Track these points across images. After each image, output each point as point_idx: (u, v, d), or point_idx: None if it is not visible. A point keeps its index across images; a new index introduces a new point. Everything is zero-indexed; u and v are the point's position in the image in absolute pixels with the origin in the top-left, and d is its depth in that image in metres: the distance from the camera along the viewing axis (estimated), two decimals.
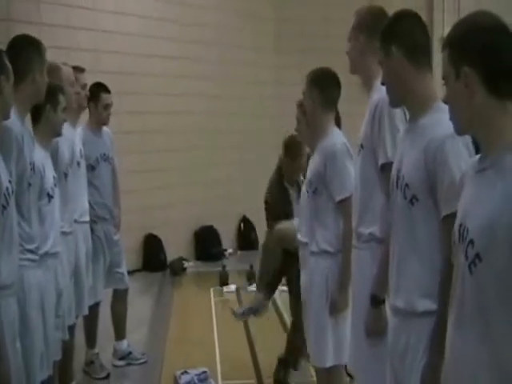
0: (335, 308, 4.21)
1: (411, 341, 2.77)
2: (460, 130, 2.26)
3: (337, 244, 4.23)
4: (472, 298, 2.07)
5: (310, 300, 4.38)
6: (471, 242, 2.05)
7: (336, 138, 4.34)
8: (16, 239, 3.37)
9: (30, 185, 3.81)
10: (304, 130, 4.75)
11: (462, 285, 2.11)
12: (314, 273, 4.33)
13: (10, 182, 3.30)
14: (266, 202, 5.88)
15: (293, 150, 5.53)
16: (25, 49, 3.88)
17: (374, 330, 3.28)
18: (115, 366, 6.19)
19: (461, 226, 2.13)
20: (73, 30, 9.06)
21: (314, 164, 4.40)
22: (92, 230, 5.71)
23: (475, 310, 2.07)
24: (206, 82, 10.92)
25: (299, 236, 4.73)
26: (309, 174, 4.45)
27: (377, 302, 3.27)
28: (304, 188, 4.62)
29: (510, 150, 2.05)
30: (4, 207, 3.18)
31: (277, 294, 8.60)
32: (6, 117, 3.43)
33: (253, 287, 8.93)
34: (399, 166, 2.84)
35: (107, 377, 5.95)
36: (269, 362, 6.15)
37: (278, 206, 5.70)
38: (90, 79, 5.86)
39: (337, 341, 4.26)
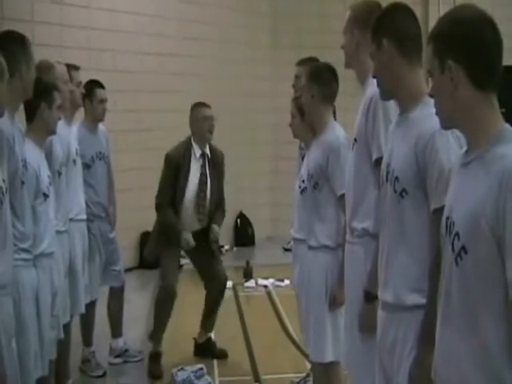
0: (335, 303, 4.20)
1: (400, 335, 2.77)
2: (445, 124, 2.27)
3: (337, 238, 4.22)
4: (458, 290, 2.10)
5: (308, 296, 4.37)
6: (457, 234, 2.07)
7: (338, 131, 4.36)
8: (10, 238, 3.35)
9: (23, 183, 3.79)
10: (298, 125, 4.76)
11: (448, 277, 2.14)
12: (313, 268, 4.32)
13: (3, 180, 3.28)
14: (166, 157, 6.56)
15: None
16: (10, 44, 3.79)
17: (368, 325, 3.26)
18: (111, 363, 6.17)
19: (448, 219, 2.15)
20: (66, 28, 9.03)
21: (313, 158, 4.39)
22: (88, 228, 5.70)
23: (461, 302, 2.09)
24: (201, 79, 10.89)
25: (292, 232, 4.72)
26: (307, 168, 4.44)
27: (370, 297, 3.25)
28: (298, 183, 4.61)
29: (494, 144, 2.07)
30: None
31: (272, 288, 8.65)
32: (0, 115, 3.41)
33: (249, 283, 8.96)
34: (389, 159, 2.84)
35: (103, 375, 5.94)
36: (266, 357, 6.16)
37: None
38: (84, 77, 5.85)
39: (335, 336, 4.26)
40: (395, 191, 2.76)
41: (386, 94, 3.00)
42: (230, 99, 11.27)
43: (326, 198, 4.30)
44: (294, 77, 5.40)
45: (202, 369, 5.65)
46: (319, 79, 4.35)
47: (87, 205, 5.69)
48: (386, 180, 2.83)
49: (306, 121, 4.59)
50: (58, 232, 4.60)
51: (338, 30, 3.82)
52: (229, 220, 11.69)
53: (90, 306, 5.79)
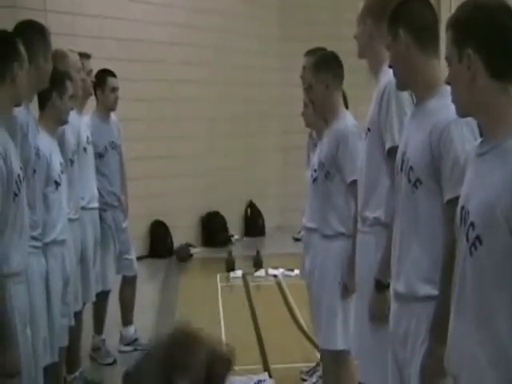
0: (347, 291, 4.21)
1: (412, 325, 2.77)
2: (461, 112, 2.26)
3: (349, 226, 4.23)
4: (471, 281, 2.09)
5: (321, 283, 4.36)
6: (472, 224, 2.06)
7: (348, 120, 4.36)
8: (26, 227, 3.36)
9: (34, 171, 3.80)
10: (310, 114, 4.76)
11: (462, 267, 2.13)
12: (328, 256, 4.31)
13: (21, 168, 3.30)
14: None
15: None
16: (29, 34, 3.81)
17: (378, 314, 3.26)
18: (121, 351, 6.19)
19: (462, 208, 2.15)
20: (77, 17, 9.05)
21: (324, 147, 4.40)
22: (101, 218, 5.72)
23: (474, 293, 2.08)
24: (210, 69, 10.90)
25: (304, 221, 4.73)
26: (319, 157, 4.45)
27: (381, 286, 3.25)
28: (310, 173, 4.62)
29: (511, 135, 2.05)
30: (16, 194, 3.18)
31: (282, 278, 8.67)
32: (18, 104, 3.42)
33: (259, 273, 8.98)
34: (404, 149, 2.84)
35: (113, 362, 5.96)
36: (275, 347, 6.17)
37: None
38: (95, 66, 5.86)
39: (346, 325, 4.26)
40: (409, 181, 2.76)
41: (402, 85, 3.00)
42: (239, 90, 11.28)
43: (338, 187, 4.30)
44: (302, 68, 5.39)
45: None
46: (332, 69, 4.36)
47: (101, 194, 5.72)
48: (401, 170, 2.83)
49: (317, 112, 4.58)
50: (70, 220, 4.62)
51: (348, 20, 3.81)
52: (239, 210, 11.72)
53: (104, 295, 5.82)
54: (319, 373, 5.21)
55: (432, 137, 2.70)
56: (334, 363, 4.43)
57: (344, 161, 4.24)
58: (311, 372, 5.47)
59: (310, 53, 5.26)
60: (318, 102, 4.47)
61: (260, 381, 5.40)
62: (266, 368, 5.78)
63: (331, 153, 4.30)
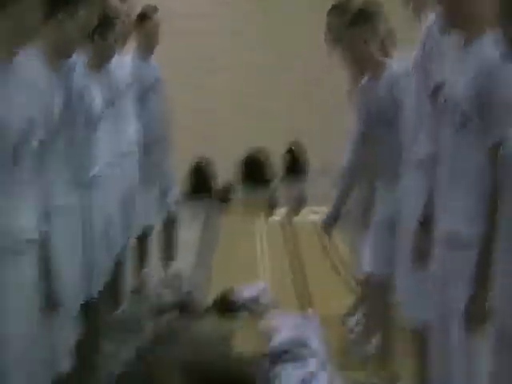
0: None
1: (455, 270, 2.74)
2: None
3: None
4: None
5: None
6: None
7: (394, 65, 4.24)
8: (64, 165, 3.42)
9: (76, 111, 3.81)
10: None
11: None
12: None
13: (62, 108, 3.30)
14: None
15: None
16: None
17: (421, 256, 3.21)
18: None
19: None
20: None
21: (378, 103, 4.28)
22: (145, 156, 5.73)
23: None
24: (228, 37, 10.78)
25: None
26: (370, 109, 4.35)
27: (425, 227, 3.19)
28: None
29: None
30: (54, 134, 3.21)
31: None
32: (67, 55, 3.43)
33: (302, 213, 8.95)
34: (450, 89, 2.79)
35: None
36: (316, 287, 6.19)
37: None
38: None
39: None
40: (454, 122, 2.72)
41: (449, 22, 2.90)
42: (264, 55, 11.11)
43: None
44: (327, 28, 5.13)
45: None
46: (371, 20, 4.25)
47: (144, 133, 5.71)
48: (445, 110, 2.78)
49: (360, 68, 4.43)
50: (112, 161, 4.62)
51: None
52: (282, 149, 11.55)
53: (147, 230, 5.94)
54: (355, 317, 5.18)
55: (480, 76, 2.64)
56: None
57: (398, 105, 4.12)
58: (353, 309, 5.39)
59: (333, 10, 5.03)
60: (358, 61, 4.33)
61: (306, 316, 5.34)
62: (307, 306, 5.79)
63: (384, 103, 4.19)
